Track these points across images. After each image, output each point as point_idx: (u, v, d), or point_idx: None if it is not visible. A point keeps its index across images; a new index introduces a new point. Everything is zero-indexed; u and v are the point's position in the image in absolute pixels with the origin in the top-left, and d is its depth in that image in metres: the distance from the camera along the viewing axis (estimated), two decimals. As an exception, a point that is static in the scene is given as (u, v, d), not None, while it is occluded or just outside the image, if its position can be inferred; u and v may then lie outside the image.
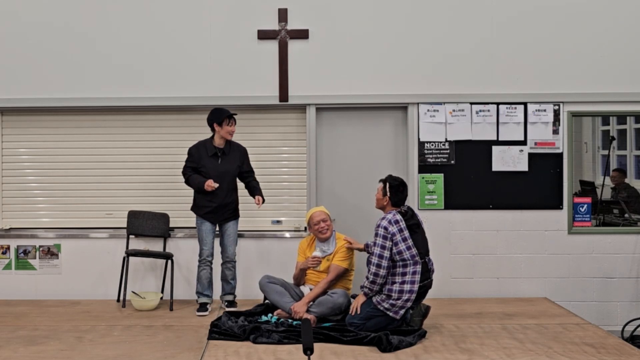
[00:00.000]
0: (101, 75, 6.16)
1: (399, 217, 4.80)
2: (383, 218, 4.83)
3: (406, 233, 4.76)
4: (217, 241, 5.77)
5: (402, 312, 4.76)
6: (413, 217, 4.88)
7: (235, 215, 5.73)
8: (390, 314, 4.74)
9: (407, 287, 4.72)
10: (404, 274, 4.73)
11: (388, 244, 4.73)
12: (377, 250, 4.75)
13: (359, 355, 4.39)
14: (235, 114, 5.61)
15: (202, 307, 5.59)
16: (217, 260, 5.80)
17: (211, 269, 5.69)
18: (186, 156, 5.66)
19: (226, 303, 5.69)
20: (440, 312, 5.49)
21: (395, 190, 4.92)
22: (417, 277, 4.74)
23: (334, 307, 5.07)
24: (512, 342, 4.68)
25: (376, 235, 4.79)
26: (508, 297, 6.10)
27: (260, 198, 5.63)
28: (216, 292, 5.87)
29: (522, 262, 6.16)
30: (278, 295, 5.25)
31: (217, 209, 5.59)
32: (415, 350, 4.48)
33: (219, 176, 5.54)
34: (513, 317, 5.41)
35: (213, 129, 5.58)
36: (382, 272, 4.74)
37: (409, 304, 4.75)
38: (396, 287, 4.72)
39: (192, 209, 5.70)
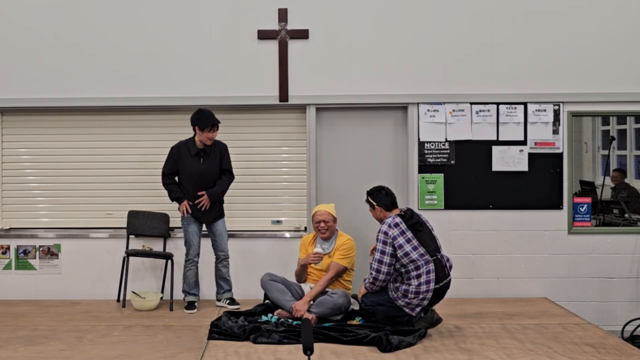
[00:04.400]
0: (101, 75, 6.15)
1: (398, 219, 4.82)
2: (383, 223, 4.87)
3: (409, 234, 4.77)
4: (207, 242, 5.80)
5: (418, 309, 4.78)
6: (413, 217, 4.89)
7: (221, 213, 5.77)
8: (407, 310, 4.78)
9: (423, 287, 4.71)
10: (418, 276, 4.71)
11: (388, 249, 4.75)
12: (377, 255, 4.80)
13: (359, 355, 4.39)
14: (219, 122, 5.58)
15: (191, 305, 5.65)
16: (209, 260, 5.84)
17: (197, 268, 5.73)
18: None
19: (228, 301, 5.72)
20: (440, 312, 5.45)
21: (376, 195, 5.04)
22: (432, 276, 4.72)
23: (334, 308, 5.07)
24: (512, 342, 4.68)
25: (377, 240, 4.83)
26: (508, 297, 6.10)
27: (204, 194, 5.60)
28: (210, 292, 5.90)
29: (522, 262, 6.16)
30: (279, 293, 5.25)
31: (203, 210, 5.63)
32: (415, 350, 4.48)
33: (200, 176, 5.59)
34: (513, 317, 5.41)
35: (194, 129, 5.59)
36: (382, 277, 4.78)
37: (425, 302, 4.76)
38: (412, 288, 4.72)
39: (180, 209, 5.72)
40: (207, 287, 5.99)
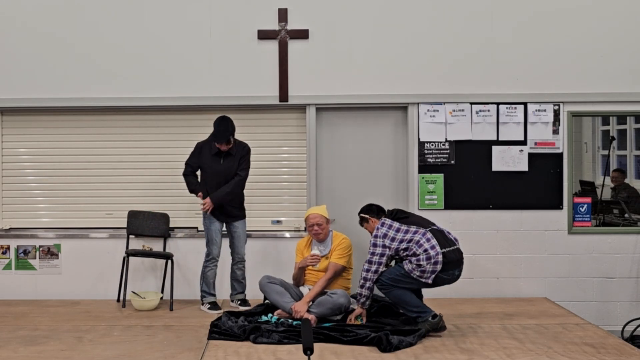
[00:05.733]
0: (101, 75, 6.15)
1: (382, 219, 5.09)
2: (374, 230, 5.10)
3: (396, 224, 4.99)
4: (225, 242, 5.80)
5: (433, 276, 4.84)
6: (394, 210, 5.17)
7: (242, 214, 5.76)
8: (423, 280, 4.85)
9: (432, 252, 4.81)
10: (420, 245, 4.84)
11: (378, 249, 4.93)
12: (368, 257, 4.98)
13: (359, 355, 4.39)
14: (226, 141, 5.48)
15: (215, 305, 5.64)
16: (225, 260, 5.83)
17: (216, 268, 5.74)
18: (192, 150, 5.69)
19: (240, 302, 5.73)
20: (440, 312, 5.48)
21: (367, 209, 5.34)
22: (434, 241, 4.84)
23: (334, 308, 5.07)
24: (512, 342, 4.68)
25: (370, 245, 5.01)
26: (508, 297, 6.10)
27: (202, 196, 5.59)
28: (224, 292, 5.92)
29: (522, 262, 6.15)
30: (278, 295, 5.25)
31: (220, 207, 5.61)
32: (415, 350, 4.48)
33: (218, 175, 5.58)
34: (513, 317, 5.41)
35: None
36: (370, 275, 4.93)
37: (438, 267, 4.81)
38: (422, 256, 4.82)
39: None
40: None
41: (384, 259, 4.92)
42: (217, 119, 5.56)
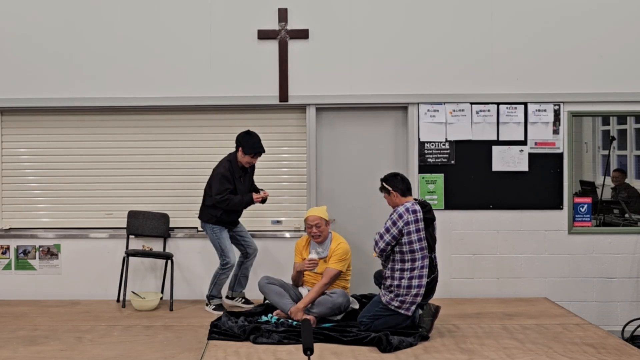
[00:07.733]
0: (101, 75, 6.16)
1: (417, 207, 4.80)
2: (401, 206, 4.82)
3: (421, 225, 4.75)
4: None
5: (413, 308, 4.76)
6: (430, 211, 4.88)
7: None
8: (402, 311, 4.76)
9: (415, 282, 4.73)
10: (412, 269, 4.73)
11: (394, 230, 4.72)
12: (382, 229, 4.79)
13: (359, 355, 4.39)
14: (264, 152, 5.56)
15: (221, 307, 5.65)
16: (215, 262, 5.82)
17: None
18: (221, 178, 5.52)
19: (243, 300, 5.76)
20: (440, 312, 5.48)
21: (392, 181, 4.99)
22: (425, 272, 4.75)
23: (334, 307, 5.06)
24: (512, 342, 4.68)
25: (389, 218, 4.80)
26: (508, 297, 6.10)
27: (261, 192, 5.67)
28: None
29: (522, 262, 6.15)
30: (277, 296, 5.25)
31: (238, 212, 5.68)
32: (415, 350, 4.48)
33: (243, 193, 5.60)
34: (513, 317, 5.41)
35: (237, 148, 5.56)
36: (381, 244, 4.77)
37: (418, 299, 4.75)
38: (404, 282, 4.73)
39: (214, 222, 5.60)
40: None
41: (394, 242, 4.74)
42: (244, 133, 5.52)
